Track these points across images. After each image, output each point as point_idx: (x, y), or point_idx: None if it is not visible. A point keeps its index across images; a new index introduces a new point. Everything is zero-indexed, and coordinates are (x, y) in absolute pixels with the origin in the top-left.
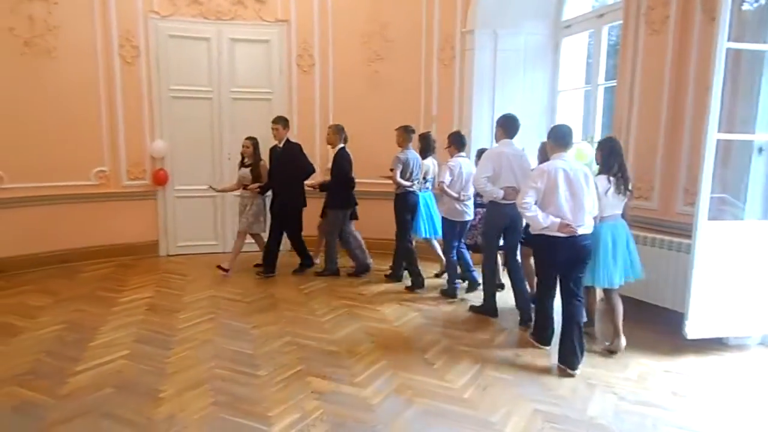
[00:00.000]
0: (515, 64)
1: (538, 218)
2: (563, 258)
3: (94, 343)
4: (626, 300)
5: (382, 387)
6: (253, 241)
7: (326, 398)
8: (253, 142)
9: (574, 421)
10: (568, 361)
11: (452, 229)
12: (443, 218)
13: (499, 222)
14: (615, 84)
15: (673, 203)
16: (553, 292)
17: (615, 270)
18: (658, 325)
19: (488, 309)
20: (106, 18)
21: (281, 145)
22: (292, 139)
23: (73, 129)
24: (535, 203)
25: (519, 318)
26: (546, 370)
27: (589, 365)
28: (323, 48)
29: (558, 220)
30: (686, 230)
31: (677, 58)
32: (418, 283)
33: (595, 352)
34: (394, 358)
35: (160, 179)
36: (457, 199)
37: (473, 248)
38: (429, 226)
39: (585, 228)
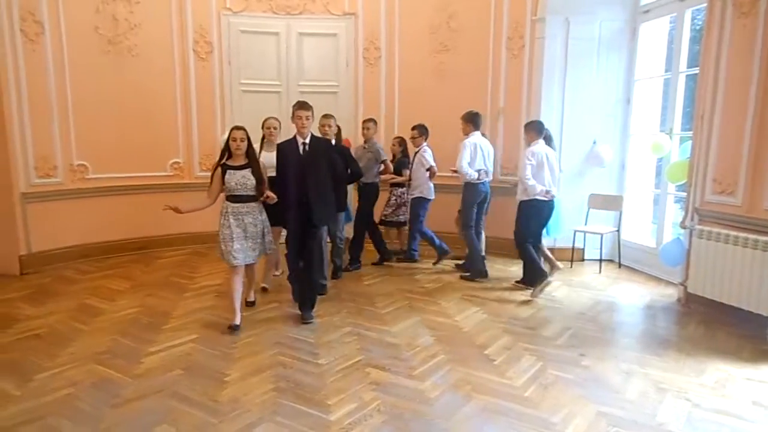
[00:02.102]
0: (588, 52)
1: (535, 186)
2: (544, 215)
3: (166, 327)
4: (707, 302)
5: (440, 381)
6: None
7: (384, 389)
8: (247, 133)
9: (641, 426)
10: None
11: (425, 205)
12: (419, 197)
13: (477, 198)
14: (697, 71)
15: (760, 199)
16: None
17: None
18: (739, 329)
19: (479, 272)
20: (183, 15)
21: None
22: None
23: (151, 122)
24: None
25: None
26: (612, 372)
27: (659, 368)
28: (390, 40)
29: (544, 187)
30: None
31: None
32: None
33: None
34: (454, 352)
35: None
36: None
37: (398, 225)
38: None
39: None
